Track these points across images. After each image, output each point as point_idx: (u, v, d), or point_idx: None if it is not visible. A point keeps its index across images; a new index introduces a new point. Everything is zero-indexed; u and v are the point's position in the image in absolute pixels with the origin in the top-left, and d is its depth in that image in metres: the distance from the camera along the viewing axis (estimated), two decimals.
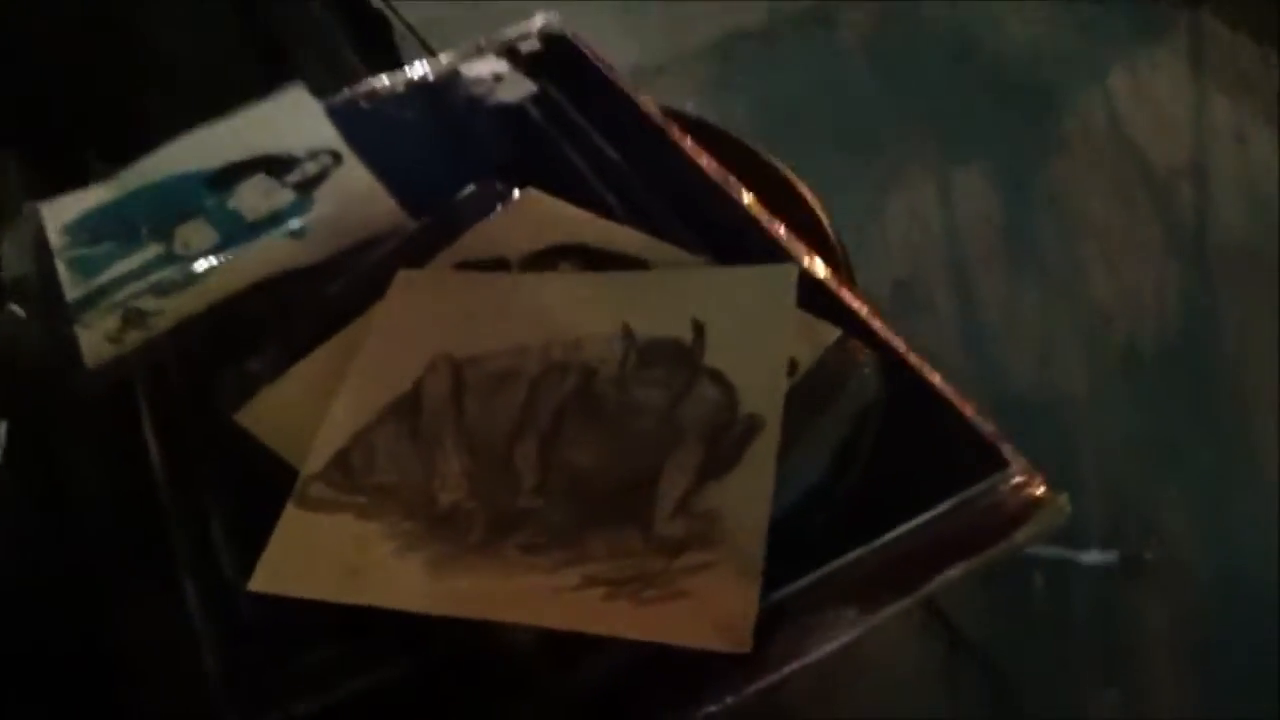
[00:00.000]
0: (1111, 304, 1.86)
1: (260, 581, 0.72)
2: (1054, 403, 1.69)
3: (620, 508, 0.72)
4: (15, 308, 1.93)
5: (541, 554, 0.70)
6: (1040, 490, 0.72)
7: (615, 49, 1.12)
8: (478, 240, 0.92)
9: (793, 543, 0.69)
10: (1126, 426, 1.67)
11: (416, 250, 0.93)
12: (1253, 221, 1.89)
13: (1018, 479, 0.72)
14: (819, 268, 0.86)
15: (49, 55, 1.59)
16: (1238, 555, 1.49)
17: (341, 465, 0.77)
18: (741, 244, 0.89)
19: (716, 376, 0.77)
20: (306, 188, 1.04)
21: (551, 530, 0.71)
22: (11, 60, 1.60)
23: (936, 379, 0.79)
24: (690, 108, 1.12)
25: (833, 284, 0.85)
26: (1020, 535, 0.71)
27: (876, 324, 0.82)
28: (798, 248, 0.88)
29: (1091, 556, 1.48)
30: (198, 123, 1.11)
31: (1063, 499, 0.72)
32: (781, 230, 0.89)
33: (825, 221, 1.01)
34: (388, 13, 1.95)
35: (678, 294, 0.84)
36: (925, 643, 1.45)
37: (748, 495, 0.71)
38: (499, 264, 0.90)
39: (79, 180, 1.11)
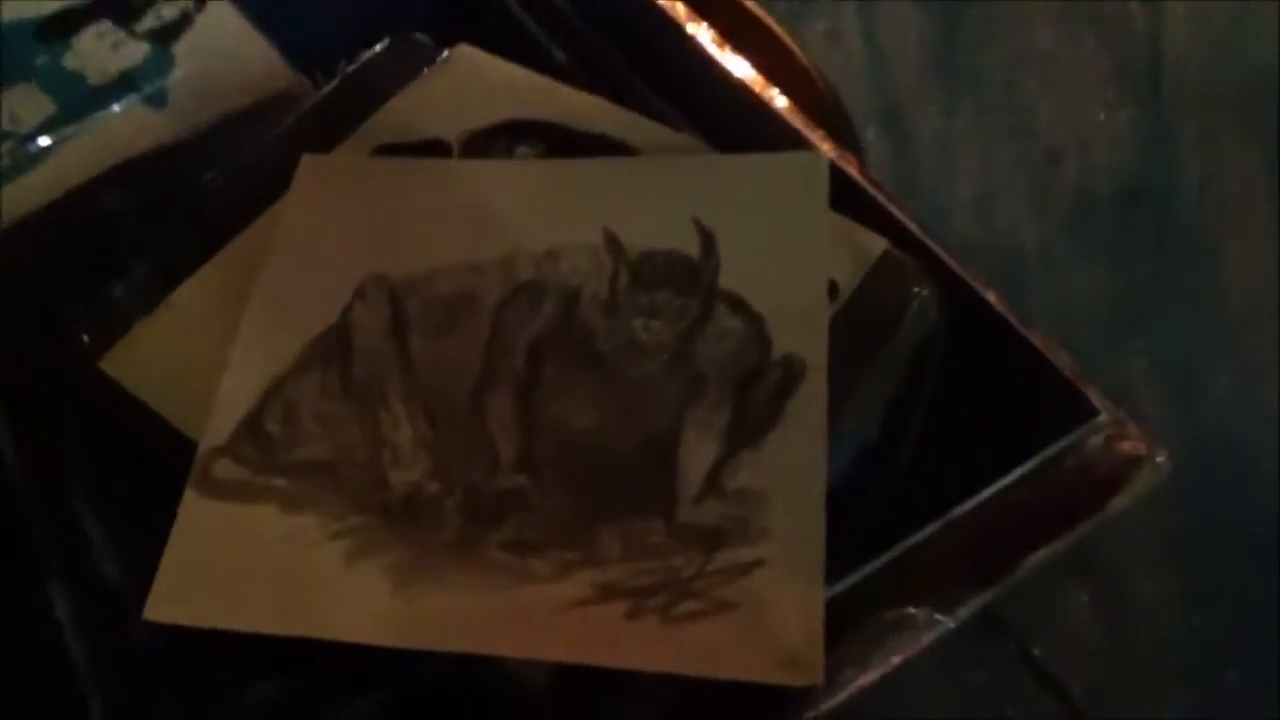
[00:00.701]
0: (1060, 143, 1.74)
1: (159, 607, 0.58)
2: (1005, 254, 1.58)
3: (632, 486, 0.60)
4: None
5: (538, 555, 0.58)
6: (1138, 444, 0.64)
7: None
8: (402, 114, 0.79)
9: (845, 523, 0.59)
10: (1083, 283, 1.57)
11: (321, 127, 0.78)
12: (1212, 55, 1.78)
13: (1109, 431, 0.65)
14: (840, 154, 0.74)
15: None
16: (1212, 427, 1.41)
17: (254, 433, 0.64)
18: (733, 118, 0.78)
19: (737, 303, 0.65)
20: (164, 38, 0.88)
21: (547, 520, 0.59)
22: None
23: (1001, 305, 0.69)
24: None
25: (863, 180, 0.73)
26: (1116, 503, 0.63)
27: (921, 233, 0.71)
28: (816, 132, 0.75)
29: None
30: None
31: (1163, 456, 0.64)
32: (791, 108, 0.76)
33: (822, 84, 0.86)
34: None
35: (676, 190, 0.71)
36: None
37: (796, 465, 0.60)
38: (434, 147, 0.76)
39: None
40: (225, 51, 0.87)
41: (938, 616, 0.59)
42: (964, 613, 0.59)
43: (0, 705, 0.61)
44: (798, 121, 0.75)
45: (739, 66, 0.79)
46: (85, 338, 0.68)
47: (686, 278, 0.66)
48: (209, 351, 0.67)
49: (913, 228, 0.70)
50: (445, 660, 0.57)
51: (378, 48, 0.82)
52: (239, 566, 0.60)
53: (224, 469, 0.63)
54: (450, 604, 0.57)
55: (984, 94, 1.81)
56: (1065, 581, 1.34)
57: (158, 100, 0.84)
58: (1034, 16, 1.87)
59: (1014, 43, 1.85)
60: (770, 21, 0.93)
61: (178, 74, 0.85)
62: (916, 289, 0.67)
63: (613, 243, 0.68)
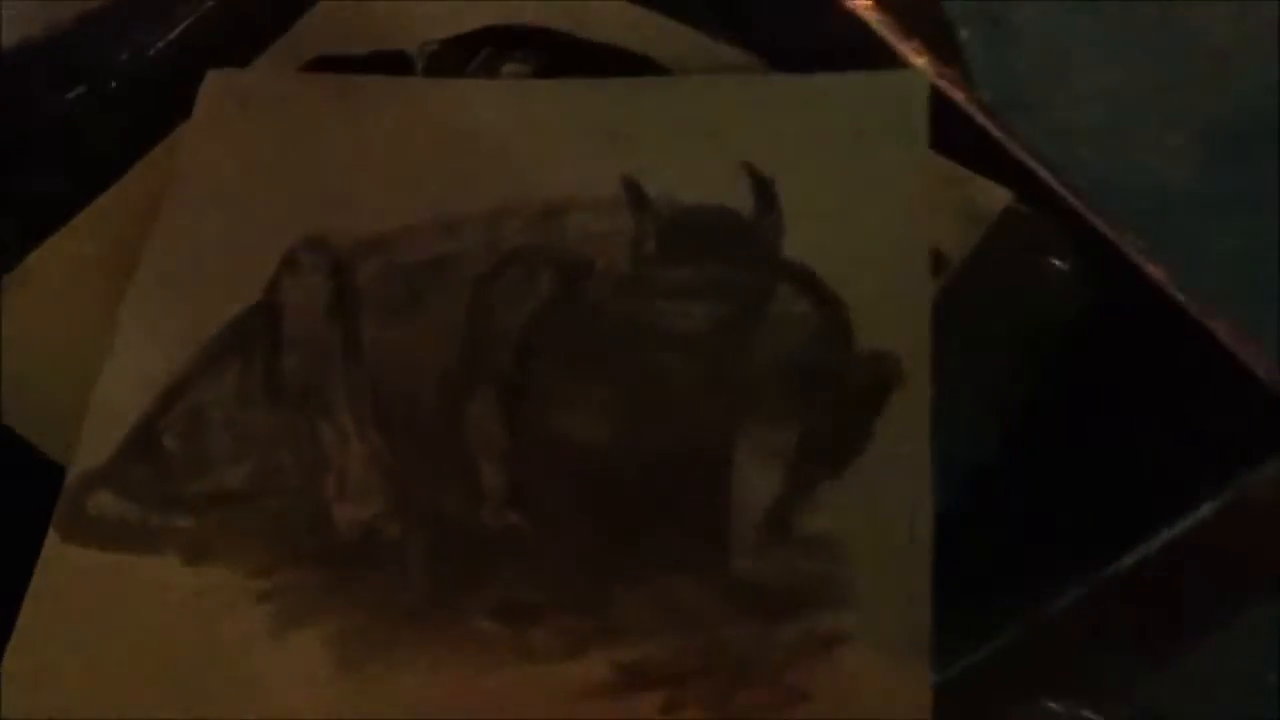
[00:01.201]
0: (1226, 42, 1.77)
1: (12, 698, 0.60)
2: (1133, 197, 1.60)
3: (666, 529, 0.62)
4: None
5: (538, 624, 0.59)
6: None
7: None
8: (344, 14, 0.82)
9: (958, 581, 0.59)
10: (1244, 232, 1.59)
11: (231, 29, 0.82)
12: None
13: None
14: (945, 76, 0.74)
15: None
16: None
17: (145, 454, 0.66)
18: (795, 33, 0.79)
19: (806, 280, 0.66)
20: None
21: (549, 575, 0.61)
22: None
23: (1168, 279, 0.69)
24: None
25: (973, 107, 0.73)
26: None
27: (1057, 182, 0.71)
28: (902, 39, 0.76)
29: None
30: None
31: None
32: (866, 3, 0.77)
33: None
34: None
35: (720, 123, 0.73)
36: None
37: (890, 502, 0.61)
38: (390, 61, 0.79)
39: None
40: None
41: (1087, 714, 0.60)
42: (1126, 710, 0.61)
43: None
44: (884, 28, 0.77)
45: None
46: None
47: (736, 244, 0.68)
48: (79, 339, 0.70)
49: (1045, 175, 0.71)
50: None
51: None
52: (123, 639, 0.61)
53: (102, 503, 0.65)
54: (416, 689, 0.58)
55: None
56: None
57: None
58: None
59: None
60: None
61: None
62: (1051, 259, 0.68)
63: (635, 194, 0.70)
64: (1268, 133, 1.73)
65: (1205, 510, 0.63)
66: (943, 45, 0.83)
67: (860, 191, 0.70)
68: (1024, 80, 1.80)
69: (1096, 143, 1.71)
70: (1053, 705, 0.61)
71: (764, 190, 0.70)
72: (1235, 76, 1.81)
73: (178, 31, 0.82)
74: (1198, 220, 1.64)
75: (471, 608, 0.60)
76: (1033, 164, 0.72)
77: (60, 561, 0.63)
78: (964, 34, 1.79)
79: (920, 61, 0.76)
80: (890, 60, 0.77)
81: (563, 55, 0.79)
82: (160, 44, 0.81)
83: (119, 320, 0.70)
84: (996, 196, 0.70)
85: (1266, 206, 1.64)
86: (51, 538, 0.64)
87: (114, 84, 0.80)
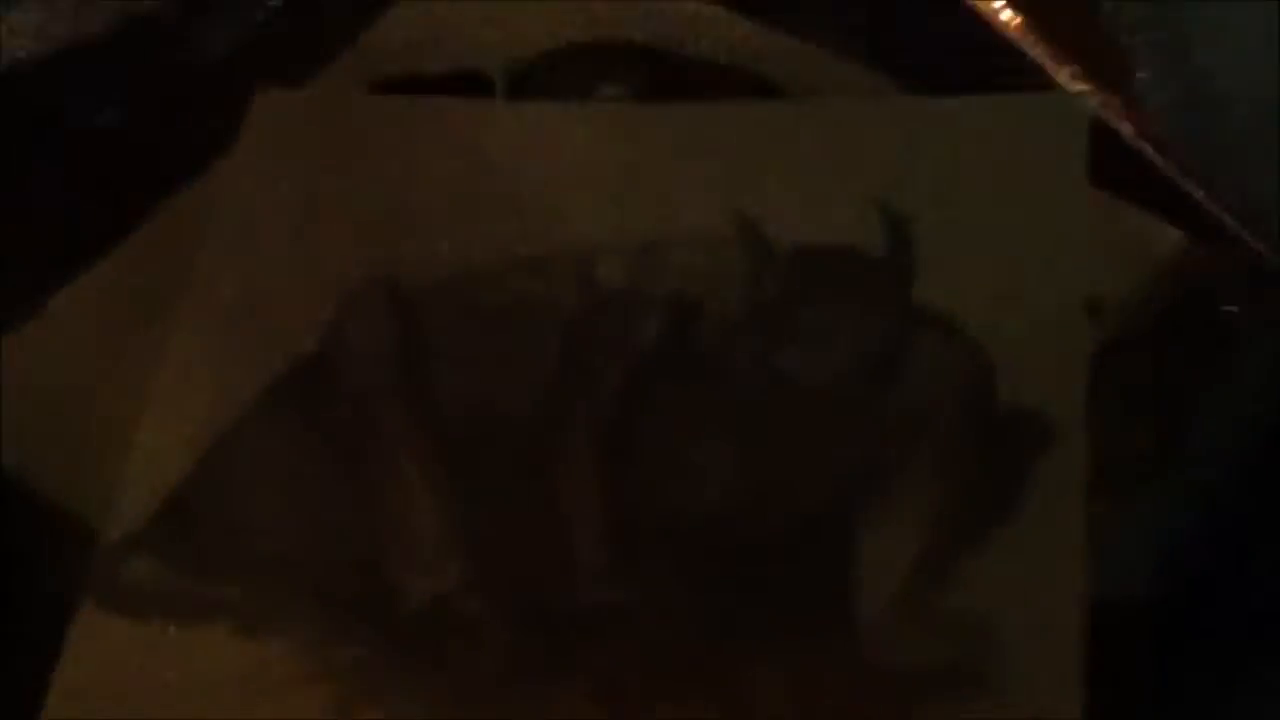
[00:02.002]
0: None
1: None
2: None
3: (786, 604, 0.64)
4: None
5: (645, 708, 0.62)
6: None
7: None
8: (413, 30, 0.86)
9: (1133, 670, 0.63)
10: None
11: (283, 46, 0.87)
12: None
13: None
14: (1110, 104, 0.78)
15: None
16: None
17: (186, 517, 0.69)
18: (935, 54, 0.84)
19: (947, 328, 0.70)
20: None
21: (656, 656, 0.63)
22: None
23: None
24: None
25: (1141, 138, 0.77)
26: None
27: (1239, 222, 0.74)
28: (1061, 65, 0.80)
29: None
30: None
31: None
32: (1018, 23, 0.82)
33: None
34: None
35: (849, 152, 0.77)
36: None
37: (1041, 578, 0.63)
38: (467, 81, 0.83)
39: None
40: None
41: None
42: None
43: None
44: (1040, 51, 0.79)
45: None
46: None
47: (867, 287, 0.72)
48: (110, 389, 0.73)
49: (1223, 214, 0.73)
50: None
51: None
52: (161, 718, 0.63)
53: (139, 571, 0.67)
54: None
55: None
56: None
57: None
58: None
59: None
60: None
61: None
62: (1231, 307, 0.71)
63: (750, 232, 0.73)
64: None
65: None
66: (1110, 68, 0.85)
67: (1008, 229, 0.74)
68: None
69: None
70: None
71: (898, 227, 0.73)
72: None
73: (218, 46, 0.86)
74: None
75: (564, 693, 0.62)
76: (1207, 201, 0.75)
77: (93, 632, 0.65)
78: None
79: (1080, 86, 0.79)
80: (1044, 83, 0.80)
81: (666, 76, 0.83)
82: (197, 59, 0.85)
83: (158, 369, 0.73)
84: (1167, 236, 0.73)
85: None
86: (85, 606, 0.66)
87: (152, 101, 0.83)
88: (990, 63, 0.82)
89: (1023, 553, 0.64)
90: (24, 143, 0.84)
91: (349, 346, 0.74)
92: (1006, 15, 0.83)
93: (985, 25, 0.84)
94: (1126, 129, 0.78)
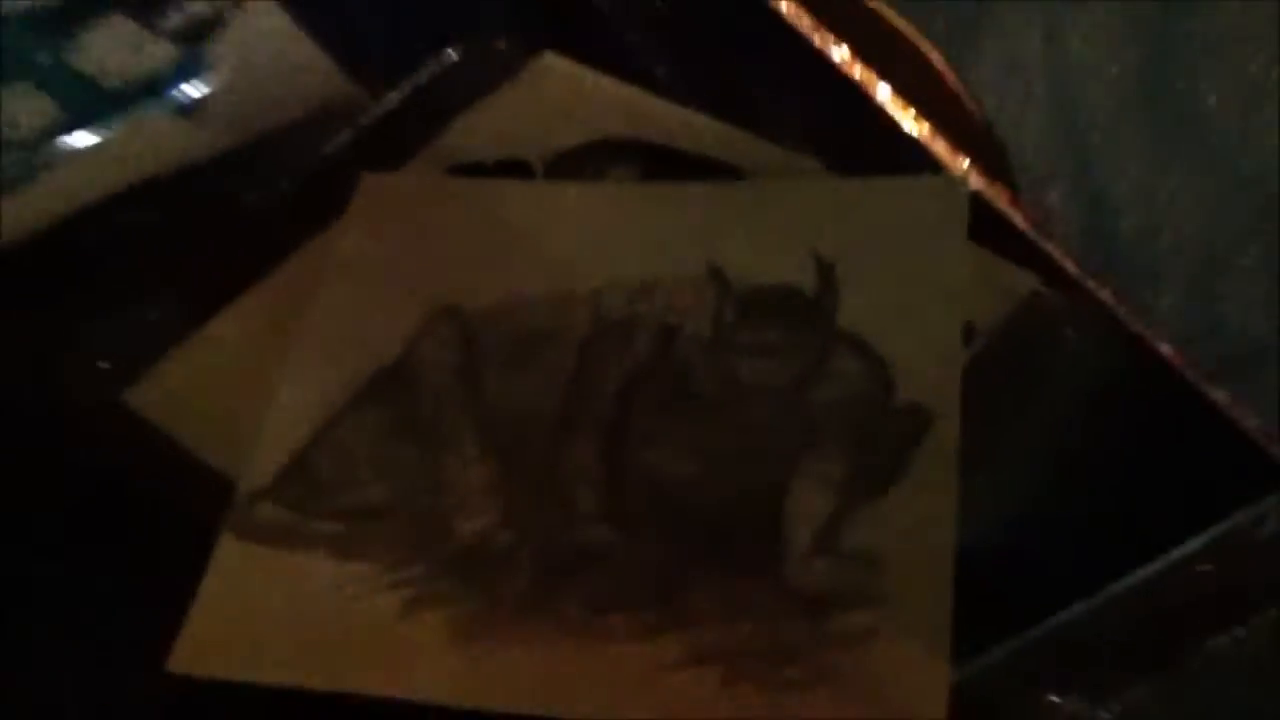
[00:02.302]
0: None
1: (185, 658, 0.70)
2: (1229, 341, 1.68)
3: (732, 544, 0.72)
4: None
5: (622, 614, 0.69)
6: None
7: None
8: (478, 130, 0.93)
9: (985, 595, 0.68)
10: None
11: (383, 144, 0.93)
12: None
13: None
14: (987, 183, 0.85)
15: None
16: None
17: (302, 475, 0.77)
18: (861, 148, 0.90)
19: (858, 345, 0.77)
20: (195, 38, 1.00)
21: (632, 578, 0.71)
22: None
23: (1172, 352, 0.78)
24: None
25: (1011, 210, 0.84)
26: None
27: (1079, 272, 0.81)
28: (955, 158, 0.87)
29: None
30: None
31: None
32: (926, 128, 0.88)
33: (973, 109, 0.99)
34: None
35: (790, 217, 0.84)
36: None
37: (920, 525, 0.70)
38: (516, 168, 0.90)
39: None
40: (267, 56, 0.99)
41: (1089, 708, 0.68)
42: (1118, 706, 0.68)
43: None
44: (938, 147, 0.86)
45: (870, 82, 0.90)
46: (104, 366, 0.82)
47: (801, 315, 0.79)
48: (251, 385, 0.81)
49: (1069, 265, 0.80)
50: None
51: (449, 56, 0.96)
52: (279, 616, 0.71)
53: (266, 512, 0.75)
54: (519, 662, 0.68)
55: (1201, 130, 1.91)
56: None
57: (187, 109, 0.96)
58: (1260, 39, 1.98)
59: (1235, 70, 1.96)
60: (914, 35, 1.05)
61: (211, 80, 0.97)
62: (1070, 333, 0.78)
63: (717, 275, 0.80)
64: None
65: (1198, 541, 0.71)
66: (996, 167, 0.91)
67: (906, 274, 0.80)
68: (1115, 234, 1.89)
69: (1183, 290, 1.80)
70: (1057, 699, 0.67)
71: (825, 272, 0.79)
72: None
73: (336, 145, 0.92)
74: None
75: (564, 600, 0.70)
76: (1058, 255, 0.82)
77: (229, 554, 0.73)
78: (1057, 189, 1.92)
79: (968, 173, 0.85)
80: (937, 165, 0.86)
81: (659, 162, 0.88)
82: (321, 155, 0.92)
83: (283, 372, 0.80)
84: (1023, 281, 0.80)
85: None
86: (224, 536, 0.74)
87: (282, 187, 0.91)
88: (907, 155, 0.88)
89: (908, 506, 0.71)
90: (197, 216, 0.91)
91: (423, 357, 0.81)
92: (918, 127, 0.88)
93: (904, 133, 0.89)
94: (1000, 201, 0.84)
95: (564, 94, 0.93)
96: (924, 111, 0.89)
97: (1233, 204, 1.86)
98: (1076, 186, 1.91)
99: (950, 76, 1.03)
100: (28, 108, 0.96)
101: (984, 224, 0.82)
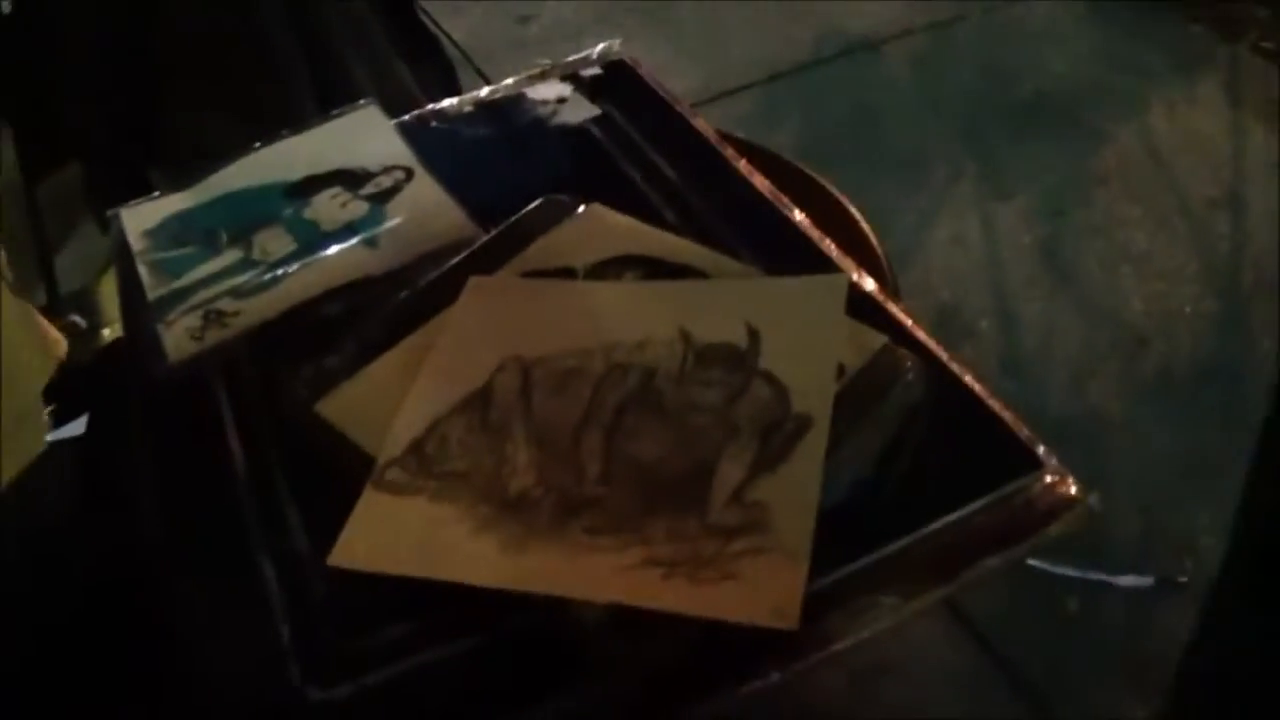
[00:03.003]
0: (1148, 328, 1.91)
1: (338, 556, 0.77)
2: (1091, 423, 1.73)
3: (678, 496, 0.76)
4: (76, 319, 2.03)
5: (605, 536, 0.75)
6: (1072, 489, 0.78)
7: (668, 79, 1.18)
8: (545, 250, 0.97)
9: (840, 533, 0.74)
10: (1161, 447, 1.70)
11: (487, 259, 0.98)
12: None
13: (1050, 478, 0.78)
14: (866, 280, 0.91)
15: (98, 56, 1.70)
16: None
17: (417, 453, 0.82)
18: (793, 257, 0.95)
19: (770, 378, 0.82)
20: (380, 200, 1.09)
21: (614, 515, 0.76)
22: (68, 66, 1.72)
23: (977, 385, 0.84)
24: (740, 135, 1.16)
25: (879, 296, 0.90)
26: (1052, 529, 0.76)
27: (920, 333, 0.87)
28: (846, 262, 0.93)
29: (1127, 580, 1.52)
30: (243, 115, 1.20)
31: (1093, 498, 0.77)
32: (831, 245, 0.95)
33: (873, 239, 1.07)
34: (436, 31, 2.01)
35: (734, 301, 0.88)
36: (954, 651, 1.49)
37: (797, 487, 0.75)
38: (565, 272, 0.95)
39: (139, 189, 1.17)
40: (425, 211, 1.07)
41: (903, 602, 0.73)
42: (921, 603, 0.73)
43: (225, 637, 0.79)
44: (833, 253, 0.94)
45: (805, 224, 0.98)
46: (304, 391, 0.90)
47: (736, 361, 0.84)
48: (390, 401, 0.86)
49: (918, 333, 0.87)
50: (530, 611, 0.72)
51: (532, 205, 1.03)
52: (396, 533, 0.78)
53: (394, 474, 0.82)
54: (541, 563, 0.74)
55: (1085, 285, 1.96)
56: None
57: (372, 243, 1.05)
58: (1133, 222, 2.03)
59: (1114, 245, 2.01)
60: (831, 188, 1.13)
61: (388, 225, 1.06)
62: (907, 370, 0.83)
63: (685, 337, 0.86)
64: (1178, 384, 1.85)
65: (979, 503, 0.77)
66: (874, 267, 0.99)
67: (804, 335, 0.85)
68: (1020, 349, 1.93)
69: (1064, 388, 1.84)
70: (884, 598, 0.73)
71: (753, 334, 0.85)
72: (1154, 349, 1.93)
73: (458, 261, 0.99)
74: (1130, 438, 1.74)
75: (573, 528, 0.76)
76: (902, 318, 0.89)
77: (369, 499, 0.80)
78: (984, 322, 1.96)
79: (854, 273, 0.92)
80: (831, 267, 0.93)
81: (656, 269, 0.94)
82: (448, 267, 0.98)
83: (410, 393, 0.87)
84: (878, 339, 0.85)
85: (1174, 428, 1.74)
86: (368, 488, 0.81)
87: (422, 287, 0.98)
88: (804, 255, 0.95)
89: (791, 476, 0.76)
90: (373, 303, 0.98)
91: (498, 385, 0.86)
92: (825, 244, 0.95)
93: (806, 239, 0.97)
94: (866, 286, 0.91)
95: (601, 228, 0.99)
96: (829, 233, 0.96)
97: (1098, 334, 1.90)
98: (998, 313, 1.95)
99: (853, 213, 1.09)
100: (276, 242, 1.05)
101: (865, 306, 0.88)
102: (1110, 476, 1.67)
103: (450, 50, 2.59)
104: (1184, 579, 1.53)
